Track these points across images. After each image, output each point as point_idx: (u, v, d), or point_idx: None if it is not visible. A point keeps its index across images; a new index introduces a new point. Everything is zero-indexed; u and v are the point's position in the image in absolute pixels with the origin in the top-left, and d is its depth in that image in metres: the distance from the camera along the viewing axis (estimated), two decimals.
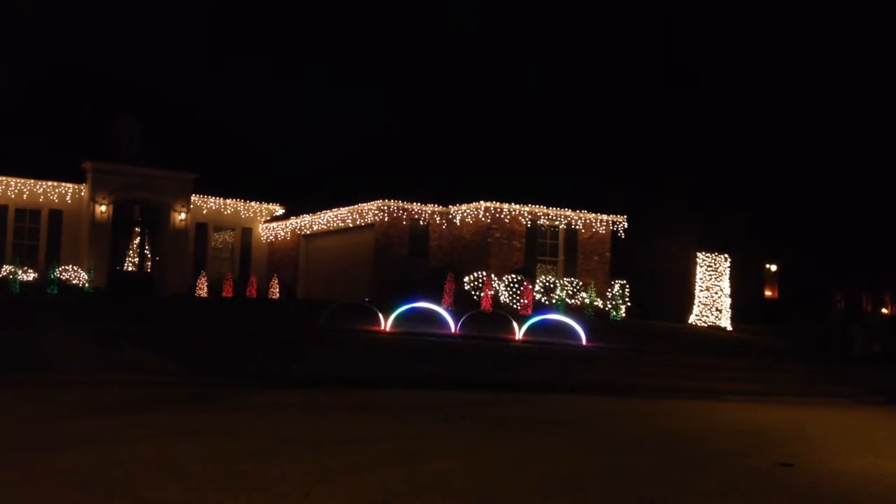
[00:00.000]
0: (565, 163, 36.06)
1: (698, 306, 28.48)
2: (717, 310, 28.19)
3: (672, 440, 9.37)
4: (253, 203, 35.39)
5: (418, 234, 29.86)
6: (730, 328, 28.04)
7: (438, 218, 30.20)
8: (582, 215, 29.92)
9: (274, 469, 6.71)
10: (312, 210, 32.89)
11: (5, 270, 28.18)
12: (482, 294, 25.76)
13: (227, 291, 30.26)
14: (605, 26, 46.01)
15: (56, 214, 31.91)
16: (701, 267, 28.62)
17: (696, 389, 14.82)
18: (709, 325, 27.96)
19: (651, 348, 21.13)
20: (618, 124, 40.34)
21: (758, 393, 15.27)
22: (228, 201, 34.90)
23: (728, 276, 28.51)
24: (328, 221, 32.32)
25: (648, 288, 30.69)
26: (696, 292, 28.65)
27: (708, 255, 28.62)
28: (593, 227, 30.07)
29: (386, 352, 17.42)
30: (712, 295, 28.32)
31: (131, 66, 43.13)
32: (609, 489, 6.85)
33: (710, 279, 28.37)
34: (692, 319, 28.51)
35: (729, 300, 28.37)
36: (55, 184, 31.83)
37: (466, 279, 27.02)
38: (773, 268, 39.38)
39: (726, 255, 28.68)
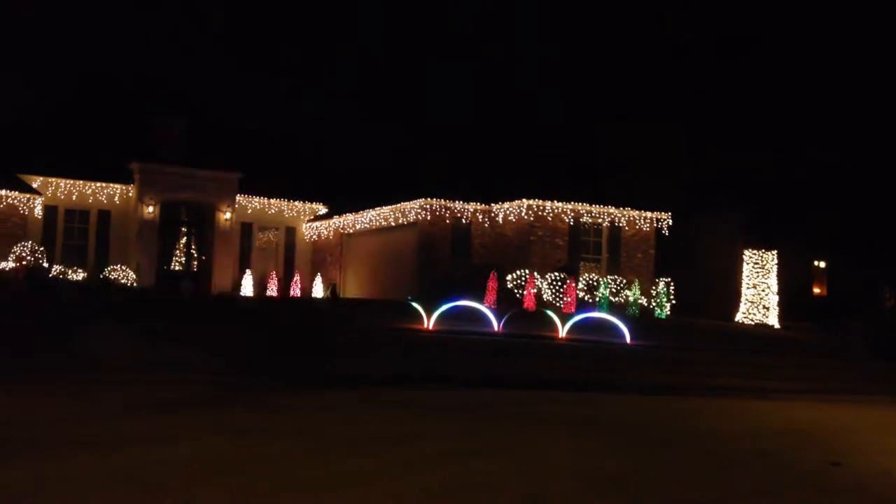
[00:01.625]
0: (609, 160, 35.83)
1: (745, 304, 28.12)
2: (764, 307, 27.81)
3: (718, 439, 9.26)
4: (296, 202, 35.66)
5: (461, 232, 29.87)
6: (777, 326, 27.65)
7: (481, 216, 30.17)
8: (626, 212, 29.70)
9: (317, 469, 6.75)
10: (355, 209, 33.06)
11: (56, 270, 28.71)
12: (525, 292, 25.70)
13: (272, 290, 30.56)
14: (650, 20, 45.60)
15: (105, 215, 32.44)
16: (747, 264, 28.25)
17: (742, 388, 14.63)
18: (756, 323, 27.60)
19: (696, 346, 20.92)
20: (663, 120, 39.96)
21: (806, 391, 15.04)
22: (272, 201, 35.21)
23: (775, 272, 28.10)
24: (371, 220, 32.45)
25: (694, 285, 30.39)
26: (743, 289, 28.29)
27: (755, 251, 28.25)
28: (637, 224, 29.83)
29: (429, 350, 17.45)
30: (759, 292, 27.94)
31: (176, 67, 43.69)
32: (653, 488, 6.79)
33: (757, 276, 28.00)
34: (739, 317, 28.16)
35: (776, 297, 27.97)
36: (103, 185, 32.36)
37: (509, 277, 26.96)
38: (822, 264, 38.74)
39: (774, 252, 28.27)
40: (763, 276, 28.00)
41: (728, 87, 42.54)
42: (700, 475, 7.42)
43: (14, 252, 28.53)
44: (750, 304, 28.01)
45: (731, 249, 30.27)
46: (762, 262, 28.13)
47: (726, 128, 40.20)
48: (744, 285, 28.26)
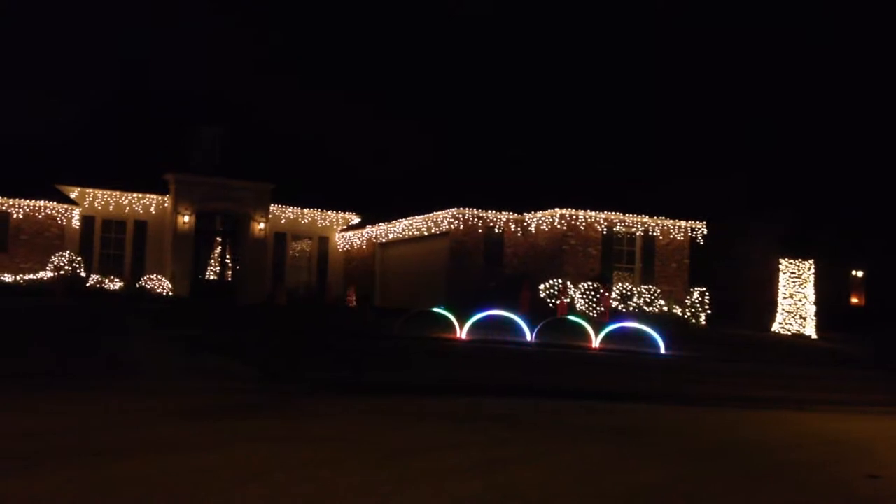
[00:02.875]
0: (642, 169, 35.64)
1: (781, 314, 27.80)
2: (800, 317, 27.48)
3: (753, 450, 9.13)
4: (329, 212, 35.86)
5: (493, 241, 29.84)
6: (814, 336, 27.30)
7: (513, 225, 30.14)
8: (659, 221, 29.52)
9: (352, 477, 6.75)
10: (388, 219, 33.17)
11: (93, 280, 29.07)
12: (558, 302, 25.60)
13: (305, 299, 30.72)
14: (681, 21, 45.34)
15: (141, 225, 32.83)
16: (784, 273, 27.94)
17: (779, 399, 14.44)
18: (792, 334, 27.28)
19: (732, 357, 20.70)
20: (698, 128, 39.69)
21: (844, 403, 14.80)
22: (305, 211, 35.43)
23: (812, 282, 27.76)
24: (403, 230, 32.53)
25: (729, 295, 30.11)
26: (779, 300, 27.98)
27: (791, 260, 27.93)
28: (671, 233, 29.64)
29: (461, 359, 17.42)
30: (796, 302, 27.62)
31: (210, 78, 44.16)
32: (687, 499, 6.71)
33: (794, 286, 27.68)
34: (775, 327, 27.85)
35: (813, 307, 27.62)
36: (139, 195, 32.76)
37: (542, 287, 26.88)
38: (859, 274, 38.21)
39: (811, 261, 27.94)
40: (800, 285, 27.66)
41: (765, 93, 42.19)
42: (736, 486, 7.32)
43: (52, 262, 28.95)
44: (786, 314, 27.67)
45: (766, 259, 29.95)
46: (799, 271, 27.79)
47: (762, 135, 39.83)
48: (780, 295, 27.93)
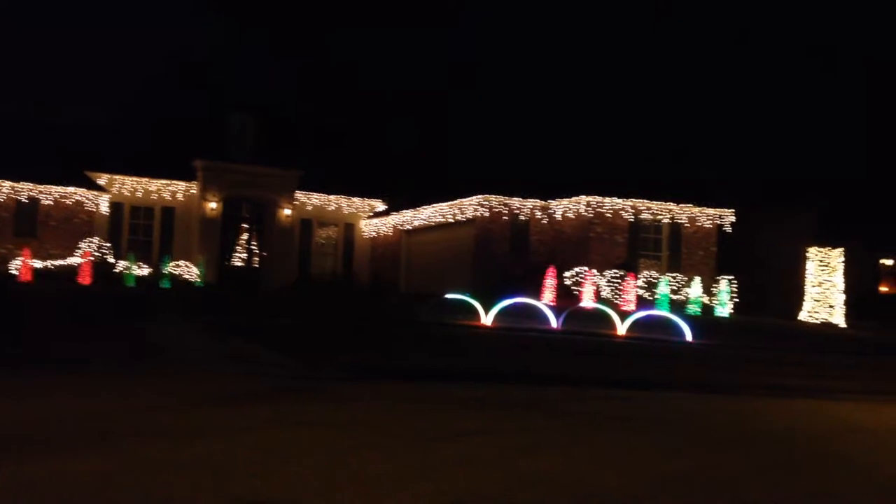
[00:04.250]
0: (669, 156, 35.39)
1: (809, 302, 27.58)
2: (829, 306, 27.23)
3: (783, 439, 9.09)
4: (355, 199, 35.92)
5: (518, 228, 29.79)
6: (843, 325, 27.05)
7: (539, 213, 30.07)
8: (686, 209, 29.34)
9: (378, 463, 6.79)
10: (413, 205, 33.19)
11: (121, 266, 29.35)
12: (583, 289, 25.53)
13: (331, 286, 30.81)
14: (711, 10, 44.94)
15: (168, 211, 33.08)
16: (812, 261, 27.69)
17: (807, 388, 14.33)
18: (821, 322, 27.05)
19: (760, 345, 20.56)
20: (724, 114, 39.35)
21: (875, 392, 14.67)
22: (331, 198, 35.53)
23: (841, 270, 27.48)
24: (429, 217, 32.54)
25: (756, 283, 29.88)
26: (807, 288, 27.74)
27: (819, 249, 27.66)
28: (698, 221, 29.45)
29: (487, 346, 17.43)
30: (824, 290, 27.37)
31: (236, 65, 44.30)
32: (717, 488, 6.69)
33: (822, 274, 27.42)
34: (803, 316, 27.62)
35: (842, 296, 27.36)
36: (167, 182, 32.99)
37: (567, 274, 26.82)
38: (889, 262, 37.79)
39: (839, 250, 27.66)
40: (828, 273, 27.41)
41: (792, 80, 41.72)
42: (765, 475, 7.29)
43: (81, 247, 29.25)
44: (815, 302, 27.44)
45: (794, 247, 29.68)
46: (827, 259, 27.54)
47: (790, 122, 39.42)
48: (808, 283, 27.70)
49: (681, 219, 29.27)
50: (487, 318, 20.32)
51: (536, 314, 20.97)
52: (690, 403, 11.89)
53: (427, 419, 9.12)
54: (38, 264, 28.42)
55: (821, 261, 27.56)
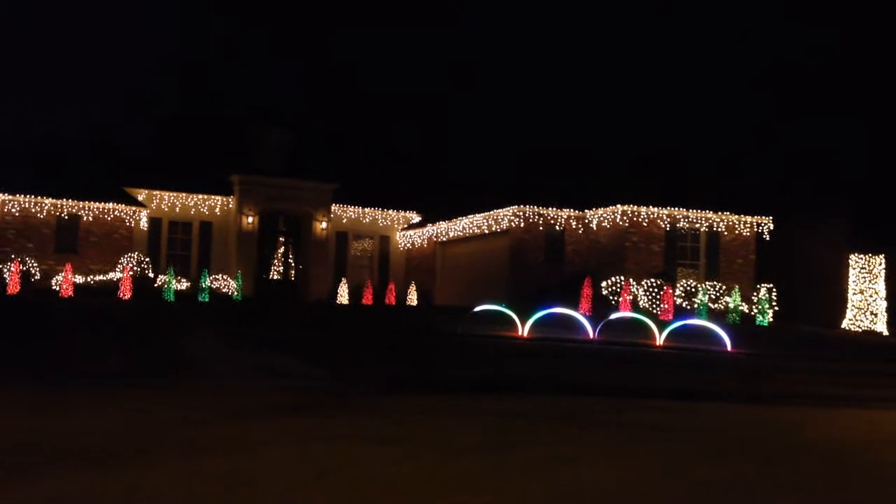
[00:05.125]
0: (706, 163, 35.08)
1: (851, 310, 27.15)
2: (871, 314, 26.80)
3: (826, 449, 8.92)
4: (390, 211, 36.00)
5: (554, 239, 29.69)
6: (886, 333, 26.59)
7: (574, 223, 29.94)
8: (724, 217, 29.04)
9: (417, 475, 6.77)
10: (448, 217, 33.20)
11: (160, 280, 29.66)
12: (620, 299, 25.36)
13: (367, 298, 30.90)
14: (742, 14, 44.57)
15: (206, 226, 33.39)
16: (854, 269, 27.27)
17: (849, 397, 14.08)
18: (863, 330, 26.62)
19: (801, 354, 20.26)
20: (762, 120, 38.96)
21: None
22: (366, 210, 35.64)
23: (884, 277, 27.03)
24: (464, 228, 32.53)
25: (797, 292, 29.46)
26: (849, 295, 27.32)
27: (861, 256, 27.25)
28: (736, 228, 29.14)
29: (524, 358, 17.36)
30: (866, 298, 26.94)
31: (271, 78, 44.71)
32: (755, 500, 6.58)
33: (864, 281, 27.00)
34: (845, 324, 27.20)
35: (885, 304, 26.91)
36: (205, 196, 33.32)
37: (604, 284, 26.65)
38: None
39: (881, 256, 27.22)
40: (870, 281, 26.98)
41: (830, 84, 41.21)
42: (807, 486, 7.16)
43: (121, 262, 29.62)
44: (857, 310, 27.02)
45: (835, 254, 29.25)
46: (869, 266, 27.11)
47: (830, 127, 38.91)
48: (850, 291, 27.28)
49: (718, 227, 28.99)
50: (524, 329, 20.24)
51: (573, 324, 20.85)
52: (732, 413, 11.73)
53: (466, 431, 9.09)
54: (80, 279, 28.81)
55: (863, 268, 27.15)
